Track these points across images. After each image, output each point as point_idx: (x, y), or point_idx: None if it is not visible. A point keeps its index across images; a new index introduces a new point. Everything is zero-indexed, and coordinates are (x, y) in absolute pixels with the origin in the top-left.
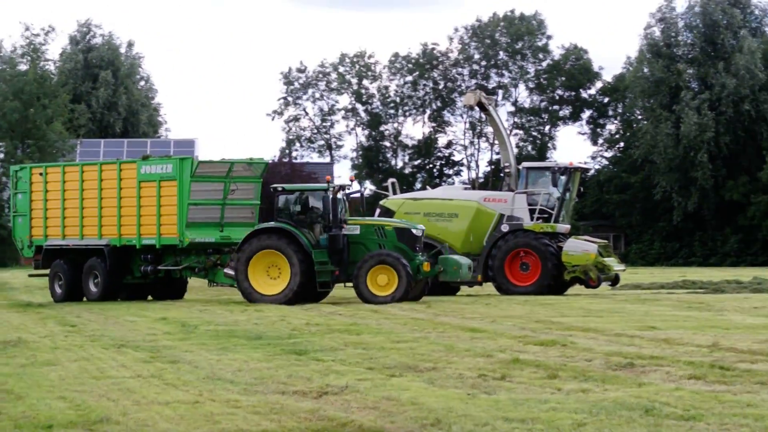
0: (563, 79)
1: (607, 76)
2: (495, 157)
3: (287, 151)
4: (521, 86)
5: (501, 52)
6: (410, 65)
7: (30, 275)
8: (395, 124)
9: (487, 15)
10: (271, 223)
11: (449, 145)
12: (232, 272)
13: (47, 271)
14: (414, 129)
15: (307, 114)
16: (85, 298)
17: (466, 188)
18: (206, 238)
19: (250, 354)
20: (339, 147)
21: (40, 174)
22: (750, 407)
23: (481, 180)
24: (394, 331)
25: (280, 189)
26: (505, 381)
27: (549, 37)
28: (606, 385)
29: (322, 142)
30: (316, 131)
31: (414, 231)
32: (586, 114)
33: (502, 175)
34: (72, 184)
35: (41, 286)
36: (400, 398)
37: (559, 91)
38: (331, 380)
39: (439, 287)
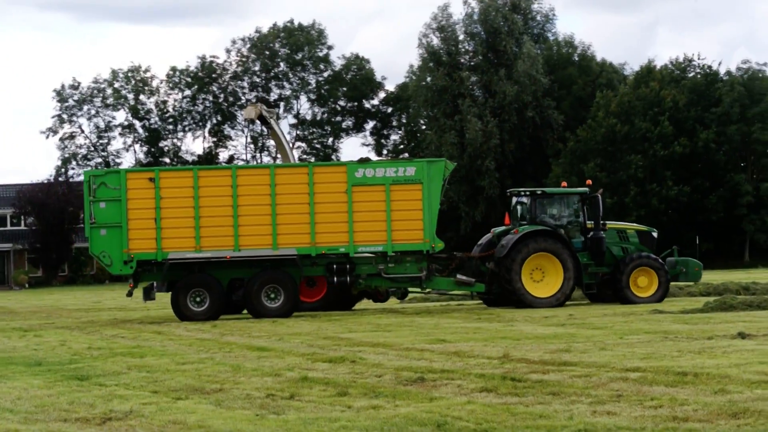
0: (345, 89)
1: (390, 86)
2: None
3: (63, 169)
4: (303, 98)
5: (281, 64)
6: (188, 79)
7: (129, 294)
8: (174, 140)
9: (267, 26)
10: (540, 227)
11: (231, 159)
12: (467, 278)
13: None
14: (194, 144)
15: (83, 131)
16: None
17: None
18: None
19: (30, 381)
20: (117, 164)
21: (150, 179)
22: (542, 418)
23: None
24: (178, 353)
25: (539, 192)
26: (294, 400)
27: (330, 48)
28: (397, 401)
29: (100, 160)
30: (92, 149)
31: (654, 234)
32: (370, 125)
33: None
34: (213, 190)
35: None
36: (187, 422)
37: (342, 102)
38: (114, 405)
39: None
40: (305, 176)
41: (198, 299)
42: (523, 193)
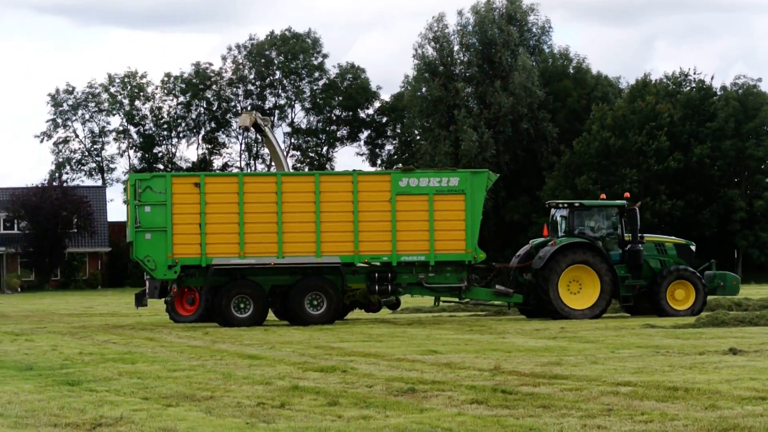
0: (340, 98)
1: (386, 96)
2: None
3: (57, 174)
4: (297, 106)
5: (277, 72)
6: (183, 85)
7: (167, 300)
8: (169, 146)
9: (263, 33)
10: (577, 239)
11: (225, 167)
12: (505, 289)
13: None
14: (188, 151)
15: (77, 136)
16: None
17: None
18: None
19: (21, 385)
20: (111, 170)
21: (195, 185)
22: (532, 431)
23: None
24: (170, 360)
25: (578, 204)
26: (284, 409)
27: (325, 56)
28: (387, 412)
29: (94, 165)
30: (86, 153)
31: (692, 247)
32: (365, 134)
33: None
34: (258, 196)
35: None
36: (177, 429)
37: (337, 111)
38: (105, 411)
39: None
40: (350, 184)
41: (242, 305)
42: (561, 205)
